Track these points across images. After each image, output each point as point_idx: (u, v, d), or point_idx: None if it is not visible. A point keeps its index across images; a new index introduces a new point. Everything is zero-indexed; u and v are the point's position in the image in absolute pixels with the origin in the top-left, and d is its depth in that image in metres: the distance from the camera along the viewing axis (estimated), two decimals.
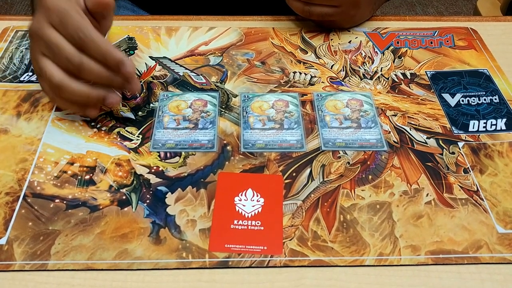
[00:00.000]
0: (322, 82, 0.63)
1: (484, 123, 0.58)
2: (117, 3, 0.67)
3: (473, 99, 0.61)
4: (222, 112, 0.59)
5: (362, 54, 0.68)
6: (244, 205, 0.49)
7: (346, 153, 0.54)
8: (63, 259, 0.44)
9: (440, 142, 0.56)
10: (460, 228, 0.47)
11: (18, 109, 0.58)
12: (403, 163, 0.53)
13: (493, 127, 0.57)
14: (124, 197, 0.49)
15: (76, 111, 0.56)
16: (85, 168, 0.52)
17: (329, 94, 0.61)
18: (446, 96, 0.62)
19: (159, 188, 0.50)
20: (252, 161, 0.53)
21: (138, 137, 0.55)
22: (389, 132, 0.57)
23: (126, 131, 0.56)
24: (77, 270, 0.44)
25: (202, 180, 0.51)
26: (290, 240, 0.46)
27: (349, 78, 0.64)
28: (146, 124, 0.57)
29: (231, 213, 0.48)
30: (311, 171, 0.52)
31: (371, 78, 0.64)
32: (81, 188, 0.50)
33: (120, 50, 0.67)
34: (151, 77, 0.63)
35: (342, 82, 0.63)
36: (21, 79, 0.62)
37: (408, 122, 0.58)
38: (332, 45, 0.69)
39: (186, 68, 0.65)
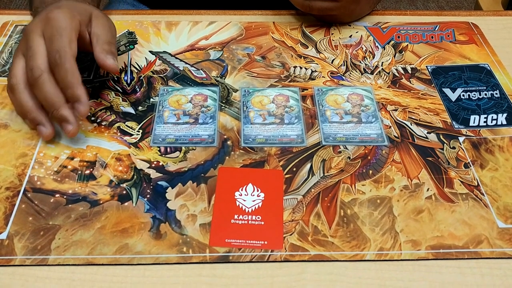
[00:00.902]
0: (322, 76, 0.63)
1: (485, 117, 0.58)
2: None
3: (474, 94, 0.61)
4: (223, 107, 0.59)
5: (363, 48, 0.68)
6: (244, 200, 0.49)
7: (346, 148, 0.54)
8: (64, 254, 0.44)
9: (441, 137, 0.56)
10: (460, 223, 0.47)
11: None
12: (404, 158, 0.53)
13: (494, 122, 0.57)
14: (124, 192, 0.49)
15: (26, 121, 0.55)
16: (85, 163, 0.52)
17: (329, 89, 0.61)
18: (447, 91, 0.61)
19: (159, 183, 0.50)
20: (253, 156, 0.53)
21: (138, 131, 0.55)
22: (390, 127, 0.57)
23: (126, 125, 0.56)
24: (77, 265, 0.44)
25: (202, 175, 0.51)
26: (290, 235, 0.46)
27: (350, 73, 0.64)
28: (147, 119, 0.57)
29: (231, 208, 0.48)
30: (311, 166, 0.52)
31: (371, 73, 0.64)
32: (81, 183, 0.50)
33: (120, 44, 0.67)
34: (151, 71, 0.63)
35: (343, 77, 0.63)
36: None
37: (408, 117, 0.58)
38: (332, 40, 0.69)
39: (186, 63, 0.65)
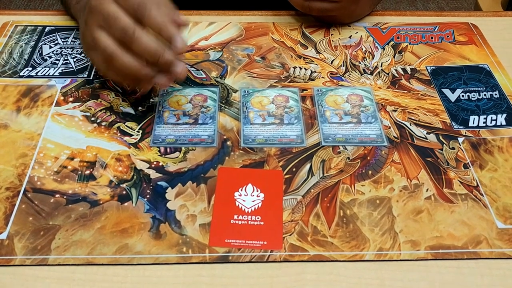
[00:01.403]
0: (322, 77, 0.63)
1: (484, 118, 0.58)
2: None
3: (473, 95, 0.61)
4: (222, 107, 0.59)
5: (362, 49, 0.68)
6: (244, 200, 0.49)
7: (346, 149, 0.54)
8: (64, 254, 0.44)
9: (440, 137, 0.56)
10: (459, 223, 0.47)
11: (18, 104, 0.58)
12: (403, 159, 0.53)
13: (493, 123, 0.57)
14: (124, 192, 0.49)
15: (128, 84, 0.57)
16: (85, 163, 0.52)
17: (329, 89, 0.61)
18: (446, 92, 0.62)
19: (159, 183, 0.50)
20: (252, 156, 0.53)
21: (138, 132, 0.55)
22: (389, 128, 0.57)
23: (126, 126, 0.56)
24: (77, 265, 0.44)
25: (202, 175, 0.51)
26: (290, 235, 0.46)
27: (349, 73, 0.64)
28: (146, 119, 0.57)
29: (231, 208, 0.48)
30: (311, 166, 0.52)
31: (371, 73, 0.64)
32: (81, 183, 0.50)
33: None
34: None
35: (342, 77, 0.63)
36: (21, 74, 0.62)
37: (408, 118, 0.58)
38: (332, 40, 0.69)
39: (186, 63, 0.65)
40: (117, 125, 0.56)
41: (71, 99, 0.59)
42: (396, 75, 0.64)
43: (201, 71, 0.64)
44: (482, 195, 0.50)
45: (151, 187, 0.50)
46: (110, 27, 0.51)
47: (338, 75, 0.64)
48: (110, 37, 0.51)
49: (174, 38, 0.50)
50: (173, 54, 0.51)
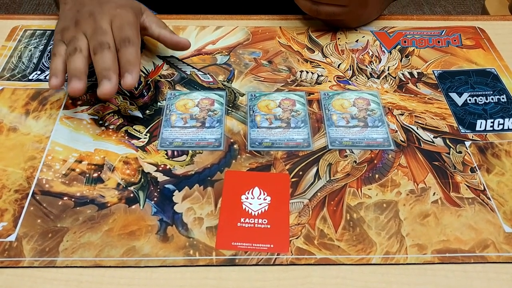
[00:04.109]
0: (329, 81, 0.63)
1: (492, 122, 0.58)
2: None
3: (481, 99, 0.61)
4: (229, 111, 0.59)
5: (369, 53, 0.68)
6: (250, 203, 0.49)
7: (352, 152, 0.54)
8: (71, 256, 0.45)
9: (447, 141, 0.56)
10: (466, 227, 0.47)
11: (26, 108, 0.59)
12: (410, 162, 0.53)
13: (501, 127, 0.57)
14: (131, 195, 0.50)
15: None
16: (93, 166, 0.52)
17: (336, 93, 0.61)
18: (453, 95, 0.61)
19: (166, 186, 0.50)
20: (259, 159, 0.53)
21: (146, 135, 0.56)
22: (396, 131, 0.57)
23: (134, 129, 0.56)
24: (85, 267, 0.44)
25: (209, 178, 0.51)
26: (296, 238, 0.46)
27: (356, 77, 0.64)
28: (154, 123, 0.57)
29: (238, 211, 0.48)
30: (317, 169, 0.52)
31: (378, 77, 0.64)
32: (89, 185, 0.50)
33: None
34: (159, 76, 0.64)
35: (349, 81, 0.63)
36: (30, 77, 0.63)
37: (415, 121, 0.58)
38: (339, 44, 0.69)
39: (194, 67, 0.65)
40: (124, 128, 0.56)
41: (79, 102, 0.59)
42: (403, 79, 0.64)
43: (208, 75, 0.64)
44: (489, 199, 0.50)
45: (158, 190, 0.50)
46: (94, 36, 0.55)
47: (345, 79, 0.64)
48: (86, 43, 0.56)
49: (131, 75, 0.54)
50: (117, 77, 0.54)
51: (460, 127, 0.57)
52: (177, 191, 0.50)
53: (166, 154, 0.54)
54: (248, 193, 0.50)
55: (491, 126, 0.57)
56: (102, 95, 0.53)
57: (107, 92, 0.52)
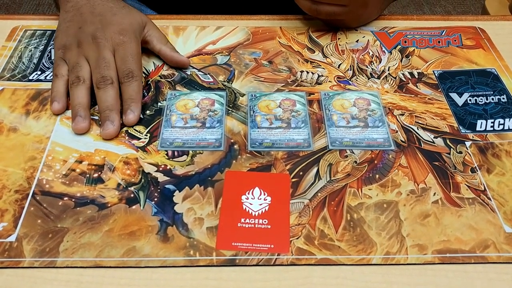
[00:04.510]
0: (329, 81, 0.63)
1: (492, 122, 0.58)
2: (125, 2, 0.70)
3: (481, 99, 0.61)
4: (230, 111, 0.59)
5: (369, 53, 0.68)
6: (251, 204, 0.49)
7: (353, 152, 0.54)
8: (72, 256, 0.45)
9: (448, 141, 0.56)
10: (467, 228, 0.47)
11: (27, 108, 0.59)
12: (410, 162, 0.53)
13: (501, 127, 0.57)
14: (132, 195, 0.49)
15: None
16: (93, 166, 0.52)
17: (336, 93, 0.61)
18: (454, 96, 0.61)
19: (166, 186, 0.50)
20: (259, 160, 0.53)
21: (146, 135, 0.56)
22: (397, 131, 0.57)
23: (134, 129, 0.56)
24: (85, 268, 0.44)
25: (209, 178, 0.51)
26: (297, 238, 0.46)
27: (357, 77, 0.64)
28: (154, 123, 0.57)
29: (238, 211, 0.48)
30: (318, 170, 0.52)
31: (378, 77, 0.64)
32: (89, 186, 0.50)
33: None
34: (159, 76, 0.64)
35: (350, 81, 0.63)
36: (30, 78, 0.63)
37: (415, 122, 0.58)
38: (339, 44, 0.69)
39: (194, 67, 0.65)
40: (125, 128, 0.56)
41: None
42: (403, 79, 0.64)
43: (208, 75, 0.64)
44: (489, 199, 0.50)
45: (158, 190, 0.50)
46: (98, 68, 0.57)
47: (345, 79, 0.64)
48: (89, 72, 0.58)
49: (132, 112, 0.56)
50: (117, 126, 0.55)
51: (461, 127, 0.57)
52: (177, 191, 0.50)
53: (167, 154, 0.54)
54: (248, 194, 0.50)
55: (491, 126, 0.57)
56: (105, 136, 0.55)
57: (110, 133, 0.55)
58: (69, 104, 0.57)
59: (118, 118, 0.55)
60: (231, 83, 0.63)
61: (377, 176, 0.52)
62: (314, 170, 0.52)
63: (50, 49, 0.67)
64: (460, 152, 0.54)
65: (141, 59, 0.60)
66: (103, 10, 0.62)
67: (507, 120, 0.58)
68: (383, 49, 0.69)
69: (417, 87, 0.63)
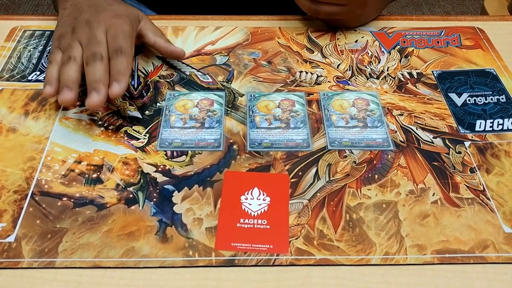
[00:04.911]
0: (328, 81, 0.63)
1: (491, 122, 0.58)
2: (124, 2, 0.70)
3: (480, 99, 0.61)
4: (229, 111, 0.59)
5: (368, 53, 0.68)
6: (250, 204, 0.49)
7: (352, 153, 0.54)
8: (71, 256, 0.45)
9: (447, 141, 0.56)
10: (466, 228, 0.47)
11: (26, 108, 0.58)
12: (410, 163, 0.53)
13: (500, 127, 0.57)
14: (131, 196, 0.49)
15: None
16: (92, 167, 0.52)
17: (335, 94, 0.61)
18: (453, 96, 0.61)
19: (165, 186, 0.50)
20: (258, 160, 0.53)
21: (145, 136, 0.56)
22: (396, 132, 0.57)
23: (133, 130, 0.56)
24: (84, 268, 0.44)
25: (208, 179, 0.51)
26: (296, 239, 0.46)
27: (356, 78, 0.64)
28: (153, 123, 0.57)
29: (237, 211, 0.48)
30: (317, 170, 0.52)
31: (377, 78, 0.64)
32: (88, 186, 0.50)
33: None
34: (158, 76, 0.64)
35: (349, 82, 0.63)
36: (29, 78, 0.63)
37: (414, 122, 0.58)
38: (338, 45, 0.69)
39: (193, 68, 0.65)
40: (124, 129, 0.56)
41: (78, 103, 0.59)
42: (402, 79, 0.64)
43: (207, 75, 0.64)
44: (488, 199, 0.50)
45: (157, 191, 0.50)
46: (88, 46, 0.56)
47: (344, 79, 0.64)
48: (81, 52, 0.56)
49: (119, 84, 0.54)
50: (103, 96, 0.53)
51: (460, 128, 0.57)
52: (176, 191, 0.50)
53: (166, 154, 0.54)
54: (247, 194, 0.50)
55: (490, 127, 0.57)
56: (89, 106, 0.53)
57: (94, 103, 0.52)
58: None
59: (105, 89, 0.53)
60: (230, 84, 0.63)
61: (376, 176, 0.52)
62: (313, 170, 0.52)
63: (49, 49, 0.67)
64: (459, 152, 0.54)
65: (133, 39, 0.59)
66: (99, 2, 0.62)
67: (506, 120, 0.58)
68: (382, 49, 0.69)
69: (416, 87, 0.63)
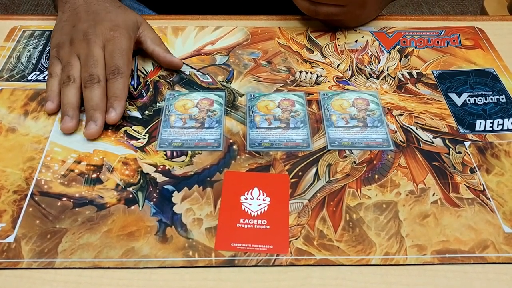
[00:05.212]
0: (328, 81, 0.63)
1: (491, 122, 0.58)
2: (124, 2, 0.70)
3: (480, 99, 0.61)
4: (228, 111, 0.59)
5: (368, 53, 0.68)
6: (250, 204, 0.49)
7: (352, 153, 0.54)
8: (70, 257, 0.44)
9: (447, 141, 0.56)
10: (466, 228, 0.47)
11: (25, 108, 0.58)
12: (410, 163, 0.53)
13: (500, 127, 0.57)
14: (131, 196, 0.49)
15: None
16: (92, 167, 0.52)
17: (335, 94, 0.61)
18: (453, 96, 0.61)
19: (165, 186, 0.50)
20: (258, 160, 0.53)
21: (145, 136, 0.56)
22: (396, 132, 0.57)
23: (133, 130, 0.56)
24: (84, 268, 0.44)
25: (208, 179, 0.51)
26: (296, 239, 0.46)
27: (355, 78, 0.64)
28: (153, 123, 0.57)
29: (237, 212, 0.48)
30: (317, 170, 0.52)
31: (377, 78, 0.64)
32: (88, 186, 0.50)
33: None
34: (158, 76, 0.64)
35: (348, 82, 0.63)
36: (29, 78, 0.63)
37: (414, 122, 0.58)
38: (338, 45, 0.69)
39: (193, 68, 0.65)
40: (123, 129, 0.56)
41: None
42: (402, 79, 0.64)
43: (207, 75, 0.64)
44: (489, 199, 0.50)
45: (157, 191, 0.50)
46: (86, 66, 0.57)
47: (344, 79, 0.64)
48: (79, 70, 0.58)
49: (115, 111, 0.56)
50: (103, 116, 0.55)
51: (460, 128, 0.57)
52: (176, 191, 0.50)
53: (165, 154, 0.54)
54: (247, 194, 0.50)
55: (490, 127, 0.57)
56: (87, 136, 0.55)
57: (92, 134, 0.54)
58: None
59: (102, 118, 0.55)
60: (230, 83, 0.63)
61: (376, 176, 0.52)
62: (313, 170, 0.52)
63: (49, 49, 0.67)
64: (459, 152, 0.54)
65: (130, 55, 0.60)
66: (97, 9, 0.62)
67: (506, 120, 0.58)
68: (382, 49, 0.69)
69: (416, 87, 0.63)
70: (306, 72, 0.64)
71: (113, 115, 0.55)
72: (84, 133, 0.55)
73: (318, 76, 0.64)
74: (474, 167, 0.53)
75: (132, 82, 0.62)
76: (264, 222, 0.47)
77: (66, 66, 0.58)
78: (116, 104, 0.56)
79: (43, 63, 0.65)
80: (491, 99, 0.61)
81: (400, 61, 0.67)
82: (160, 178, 0.51)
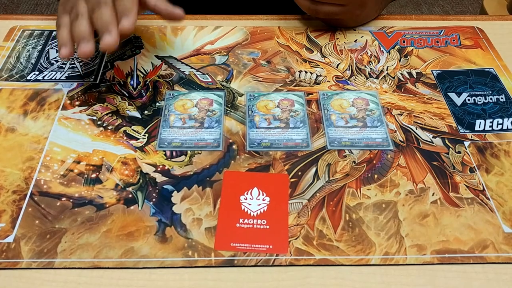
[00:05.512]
0: (327, 81, 0.63)
1: (491, 122, 0.58)
2: None
3: (479, 98, 0.61)
4: (228, 111, 0.59)
5: (368, 53, 0.68)
6: (249, 204, 0.49)
7: (351, 152, 0.54)
8: (70, 257, 0.44)
9: (446, 141, 0.56)
10: (466, 228, 0.47)
11: (25, 108, 0.58)
12: (409, 162, 0.53)
13: (500, 126, 0.57)
14: (130, 196, 0.49)
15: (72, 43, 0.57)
16: (91, 167, 0.52)
17: (334, 93, 0.61)
18: (452, 95, 0.61)
19: (165, 186, 0.50)
20: (258, 160, 0.53)
21: (144, 136, 0.56)
22: (395, 131, 0.57)
23: (132, 130, 0.56)
24: (83, 268, 0.44)
25: (208, 179, 0.51)
26: (295, 239, 0.46)
27: (355, 77, 0.64)
28: (152, 123, 0.57)
29: (236, 212, 0.48)
30: (316, 170, 0.52)
31: (377, 77, 0.64)
32: (87, 186, 0.50)
33: (126, 49, 0.67)
34: (157, 76, 0.64)
35: (348, 81, 0.63)
36: (28, 78, 0.63)
37: (414, 121, 0.58)
38: (338, 44, 0.69)
39: (192, 67, 0.65)
40: (123, 128, 0.56)
41: (77, 103, 0.59)
42: (402, 79, 0.64)
43: (207, 75, 0.64)
44: (488, 199, 0.50)
45: (157, 191, 0.50)
46: (91, 0, 0.54)
47: (343, 79, 0.64)
48: (86, 6, 0.55)
49: (128, 20, 0.53)
50: (115, 36, 0.52)
51: (459, 127, 0.57)
52: (175, 191, 0.50)
53: (165, 154, 0.54)
54: (247, 194, 0.50)
55: (490, 126, 0.57)
56: (104, 48, 0.52)
57: (108, 43, 0.52)
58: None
59: (116, 30, 0.53)
60: (230, 83, 0.63)
61: (375, 176, 0.52)
62: (313, 170, 0.52)
63: (48, 49, 0.67)
64: (459, 152, 0.54)
65: None
66: None
67: (505, 120, 0.58)
68: (382, 49, 0.68)
69: (415, 87, 0.63)
70: (306, 72, 0.64)
71: (127, 22, 0.53)
72: (101, 47, 0.52)
73: (317, 76, 0.64)
74: (474, 166, 0.53)
75: (132, 82, 0.62)
76: (263, 222, 0.47)
77: (73, 7, 0.56)
78: (128, 13, 0.53)
79: (43, 63, 0.65)
80: (491, 98, 0.61)
81: (399, 60, 0.67)
82: (159, 178, 0.51)
